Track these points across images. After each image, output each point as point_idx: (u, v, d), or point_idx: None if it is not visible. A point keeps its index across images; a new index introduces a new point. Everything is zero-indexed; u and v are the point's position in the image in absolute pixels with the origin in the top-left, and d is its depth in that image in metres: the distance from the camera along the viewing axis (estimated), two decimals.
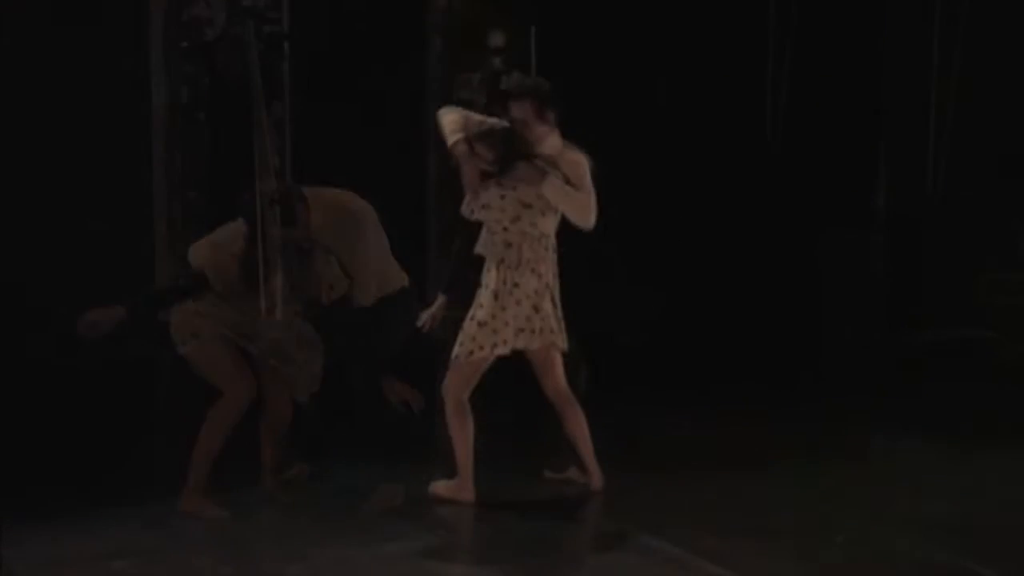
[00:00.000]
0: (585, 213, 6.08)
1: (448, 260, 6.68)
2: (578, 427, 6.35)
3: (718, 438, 7.70)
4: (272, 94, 7.94)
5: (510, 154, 6.06)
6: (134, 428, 7.98)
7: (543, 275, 6.13)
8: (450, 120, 6.14)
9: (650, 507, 6.20)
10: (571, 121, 6.18)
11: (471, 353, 6.11)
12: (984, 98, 10.72)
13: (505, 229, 6.11)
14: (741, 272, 10.50)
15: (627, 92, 10.31)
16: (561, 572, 5.58)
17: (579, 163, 6.10)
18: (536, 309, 6.12)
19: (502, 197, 6.09)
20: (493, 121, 6.20)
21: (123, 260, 8.67)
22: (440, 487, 6.31)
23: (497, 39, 10.93)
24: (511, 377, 6.37)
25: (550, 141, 6.13)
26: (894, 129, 11.18)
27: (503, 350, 6.12)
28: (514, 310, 6.09)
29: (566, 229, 6.20)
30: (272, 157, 11.94)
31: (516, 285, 6.10)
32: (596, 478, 6.43)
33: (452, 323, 6.39)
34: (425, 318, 6.48)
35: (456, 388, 6.17)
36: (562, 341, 6.21)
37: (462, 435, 6.18)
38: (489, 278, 6.15)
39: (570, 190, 6.05)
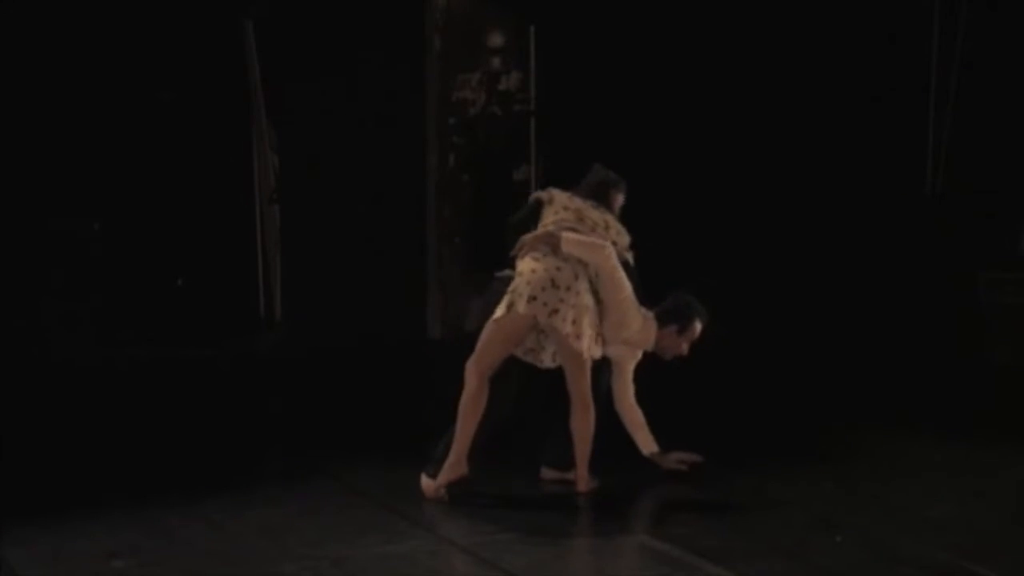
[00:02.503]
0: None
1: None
2: (584, 428, 6.36)
3: (718, 438, 7.71)
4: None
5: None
6: (135, 428, 7.99)
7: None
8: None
9: (650, 507, 6.20)
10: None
11: (508, 309, 6.23)
12: None
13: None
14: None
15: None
16: (561, 572, 5.58)
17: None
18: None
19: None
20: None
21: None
22: (429, 482, 6.32)
23: (497, 39, 10.95)
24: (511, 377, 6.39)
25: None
26: None
27: (522, 309, 6.20)
28: (528, 276, 6.25)
29: None
30: (271, 156, 12.00)
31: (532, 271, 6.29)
32: (583, 481, 6.44)
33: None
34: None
35: (485, 358, 6.23)
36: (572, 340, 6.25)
37: (474, 416, 6.22)
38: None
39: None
